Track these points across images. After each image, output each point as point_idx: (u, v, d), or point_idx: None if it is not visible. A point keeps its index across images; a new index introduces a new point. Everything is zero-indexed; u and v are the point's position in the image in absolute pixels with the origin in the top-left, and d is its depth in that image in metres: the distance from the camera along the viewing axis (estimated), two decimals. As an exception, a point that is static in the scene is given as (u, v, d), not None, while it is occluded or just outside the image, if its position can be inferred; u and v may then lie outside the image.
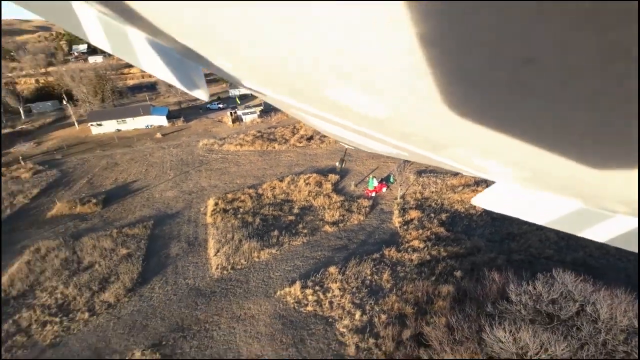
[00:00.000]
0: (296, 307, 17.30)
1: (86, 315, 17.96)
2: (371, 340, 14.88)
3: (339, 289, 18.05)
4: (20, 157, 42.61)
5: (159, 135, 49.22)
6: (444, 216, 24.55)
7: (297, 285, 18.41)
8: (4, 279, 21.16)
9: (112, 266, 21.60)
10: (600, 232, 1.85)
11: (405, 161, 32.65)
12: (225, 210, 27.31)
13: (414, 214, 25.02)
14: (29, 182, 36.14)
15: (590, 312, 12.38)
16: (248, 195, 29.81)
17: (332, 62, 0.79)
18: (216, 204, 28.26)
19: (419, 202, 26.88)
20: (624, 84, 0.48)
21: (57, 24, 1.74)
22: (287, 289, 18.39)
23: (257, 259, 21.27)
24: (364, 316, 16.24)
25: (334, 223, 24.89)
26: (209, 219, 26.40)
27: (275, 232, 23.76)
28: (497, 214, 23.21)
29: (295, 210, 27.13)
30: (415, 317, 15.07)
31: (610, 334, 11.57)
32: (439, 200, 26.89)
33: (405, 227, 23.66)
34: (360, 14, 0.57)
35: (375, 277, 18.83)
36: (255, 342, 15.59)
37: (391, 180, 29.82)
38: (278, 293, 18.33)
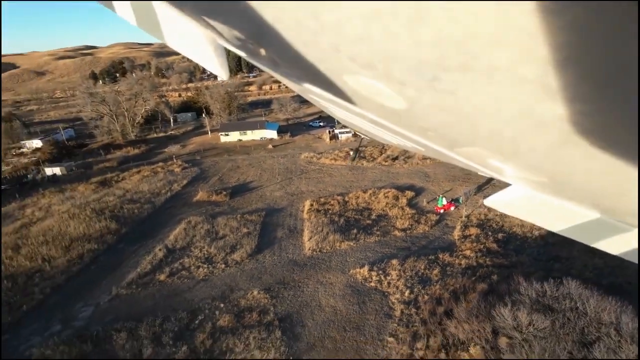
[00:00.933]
0: (362, 282, 23.62)
1: (223, 266, 26.88)
2: (413, 310, 20.41)
3: (397, 275, 23.84)
4: (174, 156, 57.15)
5: (270, 146, 60.26)
6: (500, 235, 28.30)
7: (366, 268, 24.72)
8: (172, 236, 31.77)
9: (238, 239, 30.67)
10: (616, 245, 1.84)
11: (478, 186, 36.47)
12: (317, 210, 34.96)
13: (473, 230, 29.24)
14: (180, 175, 49.15)
15: (581, 309, 16.03)
16: (336, 200, 37.09)
17: (353, 49, 0.79)
18: (311, 205, 36.12)
19: (481, 222, 30.84)
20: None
21: None
22: (358, 270, 24.82)
23: (338, 247, 28.17)
24: (411, 294, 21.78)
25: (403, 230, 30.52)
26: (305, 215, 34.29)
27: (355, 231, 30.42)
28: (552, 238, 26.31)
29: (373, 217, 33.46)
30: (450, 300, 20.13)
31: (591, 324, 15.22)
32: (500, 222, 30.47)
33: (462, 239, 28.14)
34: (388, 1, 0.56)
35: (427, 271, 24.09)
36: (331, 298, 22.34)
37: (460, 201, 34.09)
38: (351, 271, 24.87)
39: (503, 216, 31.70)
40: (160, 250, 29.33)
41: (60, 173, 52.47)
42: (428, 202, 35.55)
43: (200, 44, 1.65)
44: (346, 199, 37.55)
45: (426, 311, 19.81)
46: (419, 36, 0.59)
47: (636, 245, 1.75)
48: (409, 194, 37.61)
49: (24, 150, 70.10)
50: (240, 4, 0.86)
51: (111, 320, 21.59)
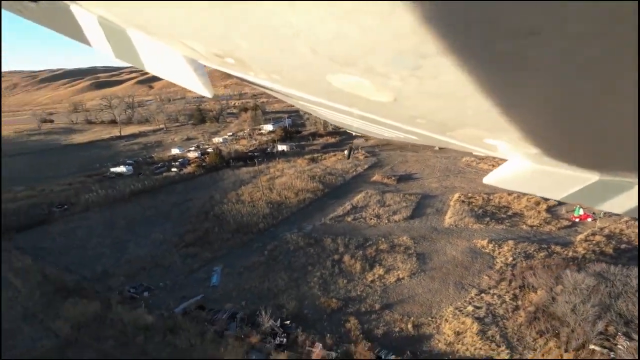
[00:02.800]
0: (480, 248, 33.52)
1: (386, 221, 40.85)
2: (509, 268, 29.50)
3: (508, 249, 32.67)
4: (359, 147, 74.96)
5: (436, 148, 70.83)
6: (623, 246, 32.48)
7: (486, 240, 34.33)
8: (355, 199, 47.84)
9: (398, 208, 44.14)
10: (619, 204, 1.88)
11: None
12: (462, 201, 44.90)
13: (598, 238, 34.03)
14: (362, 161, 65.87)
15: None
16: (482, 197, 45.91)
17: (331, 49, 0.79)
18: (459, 197, 46.18)
19: (611, 234, 34.90)
20: (625, 50, 0.48)
21: (57, 31, 1.83)
22: (480, 241, 34.66)
23: (470, 227, 38.16)
24: (513, 261, 30.65)
25: (531, 226, 37.71)
26: (452, 203, 44.83)
27: (488, 219, 39.48)
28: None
29: (509, 213, 41.30)
30: (539, 266, 28.34)
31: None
32: (631, 237, 33.94)
33: (582, 242, 33.69)
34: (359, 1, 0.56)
35: (534, 252, 31.91)
36: (454, 251, 33.31)
37: (601, 215, 37.88)
38: (474, 241, 34.93)
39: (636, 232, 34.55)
40: (348, 205, 45.74)
41: (286, 149, 77.50)
42: (567, 211, 40.46)
43: (179, 66, 1.64)
44: (491, 197, 45.84)
45: (518, 269, 28.79)
46: (395, 28, 0.60)
47: (637, 203, 1.76)
48: (552, 202, 42.88)
49: (262, 131, 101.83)
50: (212, 20, 0.90)
51: (322, 233, 38.67)
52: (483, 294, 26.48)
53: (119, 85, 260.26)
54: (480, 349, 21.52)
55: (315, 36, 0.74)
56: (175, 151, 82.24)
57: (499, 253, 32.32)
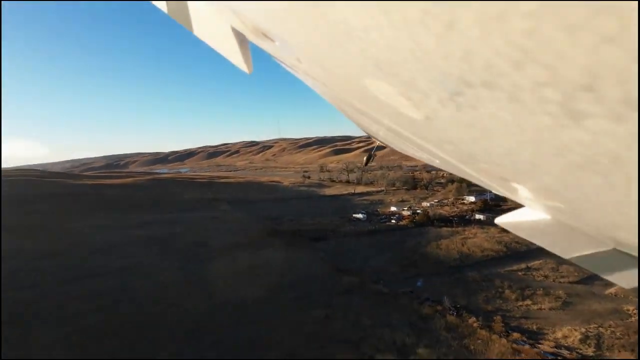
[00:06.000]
0: (625, 311, 43.18)
1: (542, 278, 53.60)
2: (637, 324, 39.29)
3: (651, 315, 41.38)
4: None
5: None
6: None
7: (633, 307, 43.53)
8: (533, 262, 61.07)
9: (567, 273, 55.36)
10: (630, 279, 1.87)
11: None
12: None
13: None
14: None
15: None
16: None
17: (379, 55, 0.79)
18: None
19: None
20: None
21: None
22: (629, 307, 44.03)
23: (630, 298, 46.80)
24: (647, 321, 39.90)
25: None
26: (624, 280, 52.43)
27: (652, 296, 46.65)
28: None
29: (682, 298, 46.48)
30: None
31: None
32: None
33: None
34: (417, 14, 0.55)
35: None
36: (597, 307, 44.30)
37: None
38: (622, 305, 44.47)
39: None
40: (523, 265, 59.93)
41: (483, 218, 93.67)
42: None
43: (226, 36, 1.64)
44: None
45: (645, 326, 38.68)
46: (447, 49, 0.59)
47: None
48: None
49: (465, 201, 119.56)
50: None
51: (494, 275, 55.32)
52: (601, 328, 38.31)
53: (350, 152, 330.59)
54: (578, 348, 35.32)
55: (368, 39, 0.74)
56: (393, 208, 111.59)
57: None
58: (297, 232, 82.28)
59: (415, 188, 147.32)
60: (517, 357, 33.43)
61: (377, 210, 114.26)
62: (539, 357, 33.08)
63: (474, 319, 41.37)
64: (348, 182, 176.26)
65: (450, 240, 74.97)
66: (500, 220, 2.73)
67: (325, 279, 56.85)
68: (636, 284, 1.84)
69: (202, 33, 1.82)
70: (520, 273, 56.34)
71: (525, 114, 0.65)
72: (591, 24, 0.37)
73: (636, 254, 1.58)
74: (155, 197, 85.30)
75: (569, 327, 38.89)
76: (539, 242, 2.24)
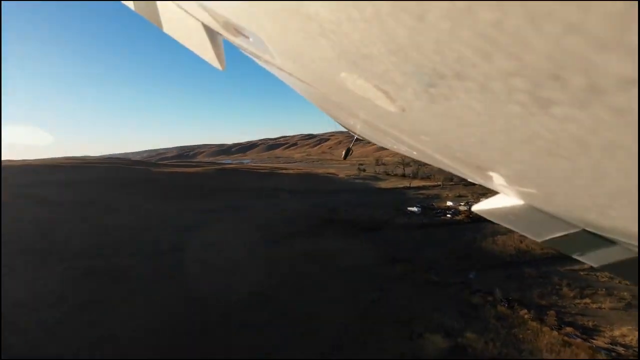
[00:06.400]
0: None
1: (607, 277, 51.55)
2: None
3: None
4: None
5: None
6: None
7: None
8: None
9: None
10: (598, 258, 1.93)
11: None
12: None
13: None
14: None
15: None
16: None
17: (352, 49, 0.78)
18: None
19: None
20: None
21: None
22: None
23: None
24: None
25: None
26: None
27: None
28: None
29: None
30: None
31: None
32: None
33: None
34: (388, 7, 0.55)
35: None
36: None
37: None
38: None
39: None
40: (586, 265, 57.95)
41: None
42: None
43: (197, 33, 1.58)
44: None
45: None
46: (419, 42, 0.60)
47: (616, 259, 1.78)
48: None
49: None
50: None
51: (552, 273, 54.41)
52: (665, 330, 37.03)
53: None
54: (636, 347, 34.85)
55: (341, 33, 0.74)
56: (449, 203, 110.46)
57: None
58: (352, 222, 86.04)
59: (473, 184, 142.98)
60: (568, 349, 34.18)
61: (432, 205, 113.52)
62: (590, 351, 33.56)
63: (525, 311, 42.08)
64: (404, 175, 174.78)
65: (507, 236, 73.64)
66: (476, 207, 2.80)
67: (378, 266, 59.94)
68: (604, 263, 1.88)
69: (172, 30, 1.84)
70: (582, 273, 54.67)
71: (496, 104, 0.67)
72: (555, 15, 0.38)
73: (604, 234, 1.64)
74: (223, 185, 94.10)
75: (629, 327, 38.14)
76: (513, 227, 2.31)
